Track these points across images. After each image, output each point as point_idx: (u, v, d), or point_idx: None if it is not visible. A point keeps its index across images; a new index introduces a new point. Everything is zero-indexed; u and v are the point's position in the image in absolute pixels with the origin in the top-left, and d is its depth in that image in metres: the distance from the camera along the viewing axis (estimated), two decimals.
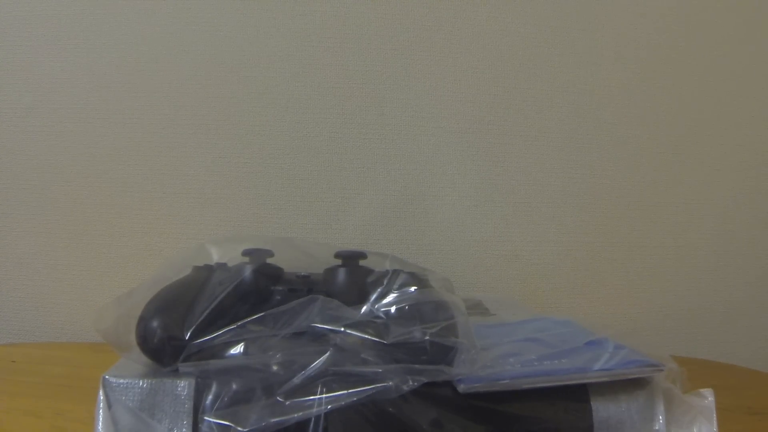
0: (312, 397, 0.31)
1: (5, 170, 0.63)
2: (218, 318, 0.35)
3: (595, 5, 0.64)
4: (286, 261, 0.41)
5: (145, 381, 0.33)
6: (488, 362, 0.34)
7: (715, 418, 0.34)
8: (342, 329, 0.34)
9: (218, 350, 0.33)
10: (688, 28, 0.66)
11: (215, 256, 0.43)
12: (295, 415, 0.31)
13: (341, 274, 0.40)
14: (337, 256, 0.41)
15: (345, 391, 0.31)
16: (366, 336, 0.34)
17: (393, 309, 0.35)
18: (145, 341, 0.34)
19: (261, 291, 0.38)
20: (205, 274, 0.39)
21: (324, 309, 0.35)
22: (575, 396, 0.34)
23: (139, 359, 0.34)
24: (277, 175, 0.63)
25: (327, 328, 0.34)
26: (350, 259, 0.41)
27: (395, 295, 0.36)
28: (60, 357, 0.57)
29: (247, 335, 0.34)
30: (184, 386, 0.32)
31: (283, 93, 0.63)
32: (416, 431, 0.32)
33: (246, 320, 0.35)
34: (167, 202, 0.63)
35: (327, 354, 0.32)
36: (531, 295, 0.65)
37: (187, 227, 0.63)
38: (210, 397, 0.32)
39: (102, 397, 0.32)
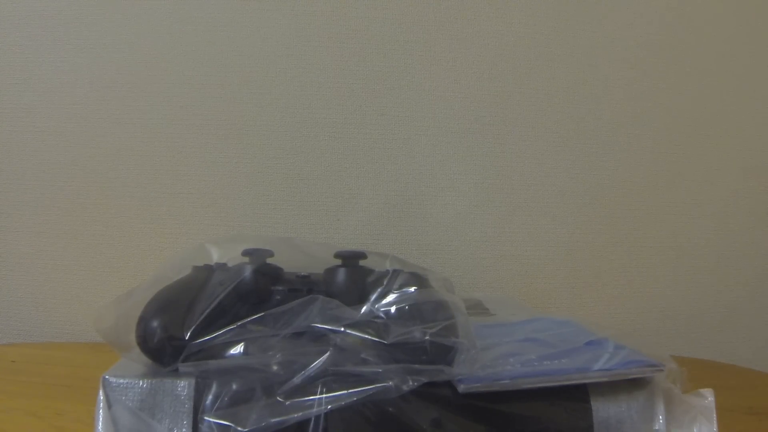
0: (312, 397, 0.31)
1: (5, 170, 0.63)
2: (218, 318, 0.35)
3: (595, 5, 0.64)
4: (286, 261, 0.41)
5: (145, 381, 0.33)
6: (488, 362, 0.34)
7: (715, 418, 0.34)
8: (342, 329, 0.34)
9: (218, 350, 0.33)
10: (688, 27, 0.66)
11: (215, 256, 0.43)
12: (295, 415, 0.31)
13: (341, 274, 0.40)
14: (337, 256, 0.41)
15: (345, 391, 0.31)
16: (366, 336, 0.34)
17: (393, 309, 0.35)
18: (145, 341, 0.34)
19: (261, 291, 0.38)
20: (205, 274, 0.39)
21: (324, 309, 0.35)
22: (575, 396, 0.34)
23: (139, 359, 0.34)
24: (277, 175, 0.63)
25: (327, 328, 0.34)
26: (350, 259, 0.40)
27: (395, 295, 0.36)
28: (60, 357, 0.57)
29: (247, 335, 0.34)
30: (184, 386, 0.32)
31: (283, 93, 0.63)
32: (416, 431, 0.32)
33: (246, 320, 0.34)
34: (167, 202, 0.63)
35: (327, 354, 0.32)
36: (531, 295, 0.65)
37: (187, 227, 0.63)
38: (210, 397, 0.32)
39: (102, 397, 0.32)
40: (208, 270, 0.39)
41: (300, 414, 0.31)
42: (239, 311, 0.36)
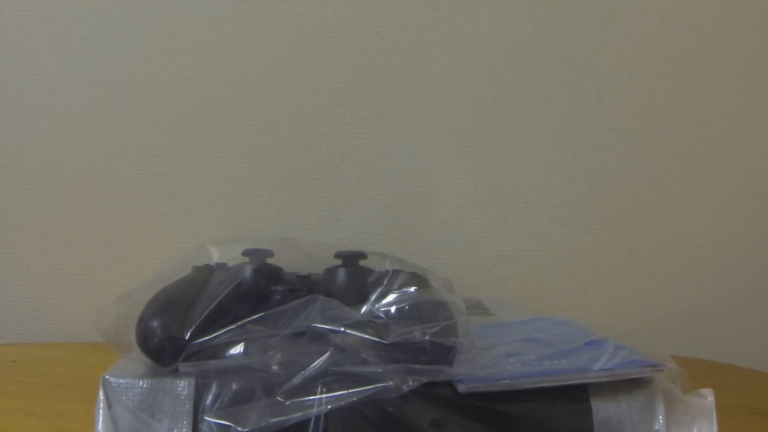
0: (312, 397, 0.31)
1: (5, 170, 0.63)
2: (218, 318, 0.35)
3: (595, 5, 0.64)
4: (286, 261, 0.41)
5: (145, 381, 0.33)
6: (488, 362, 0.34)
7: (715, 418, 0.34)
8: (342, 329, 0.34)
9: (218, 350, 0.33)
10: (688, 27, 0.66)
11: (215, 256, 0.43)
12: (295, 415, 0.31)
13: (341, 274, 0.40)
14: (337, 256, 0.41)
15: (345, 391, 0.31)
16: (366, 336, 0.34)
17: (393, 309, 0.35)
18: (145, 341, 0.34)
19: (261, 291, 0.38)
20: (205, 274, 0.39)
21: (324, 309, 0.35)
22: (575, 396, 0.34)
23: (139, 359, 0.34)
24: (277, 175, 0.63)
25: (327, 328, 0.34)
26: (350, 259, 0.40)
27: (395, 295, 0.36)
28: (60, 357, 0.57)
29: (247, 335, 0.34)
30: (184, 386, 0.32)
31: (283, 93, 0.63)
32: (416, 431, 0.32)
33: (246, 320, 0.34)
34: (167, 202, 0.63)
35: (327, 354, 0.32)
36: (531, 295, 0.65)
37: (187, 227, 0.63)
38: (210, 397, 0.32)
39: (102, 397, 0.32)
40: (208, 270, 0.39)
41: (300, 414, 0.31)
42: (239, 311, 0.36)
